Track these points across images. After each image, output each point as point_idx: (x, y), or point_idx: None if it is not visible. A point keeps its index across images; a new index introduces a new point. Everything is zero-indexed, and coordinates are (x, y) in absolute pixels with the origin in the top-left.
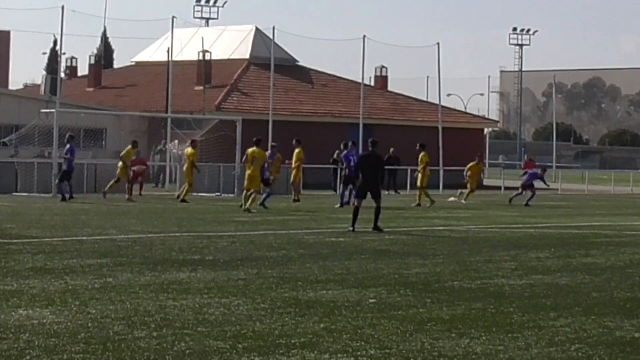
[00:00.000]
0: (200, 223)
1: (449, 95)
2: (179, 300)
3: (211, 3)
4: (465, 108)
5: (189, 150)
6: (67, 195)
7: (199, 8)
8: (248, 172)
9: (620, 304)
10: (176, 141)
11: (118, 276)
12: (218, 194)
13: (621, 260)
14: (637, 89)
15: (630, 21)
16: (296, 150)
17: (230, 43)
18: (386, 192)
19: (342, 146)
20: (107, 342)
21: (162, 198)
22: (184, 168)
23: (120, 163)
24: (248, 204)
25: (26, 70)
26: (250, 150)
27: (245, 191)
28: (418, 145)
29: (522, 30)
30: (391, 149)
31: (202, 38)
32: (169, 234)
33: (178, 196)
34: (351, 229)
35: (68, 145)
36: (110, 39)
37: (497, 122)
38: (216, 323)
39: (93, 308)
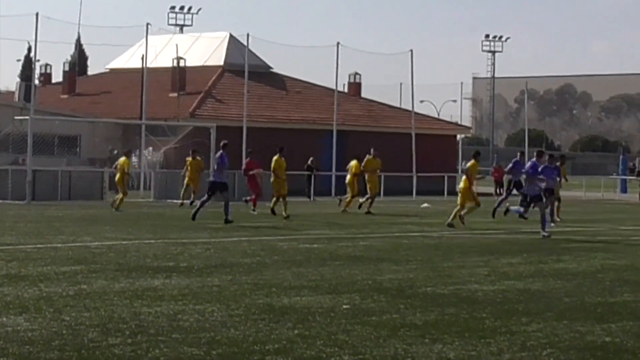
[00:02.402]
0: (175, 230)
1: (422, 101)
2: (153, 307)
3: (185, 10)
4: (439, 114)
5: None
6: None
7: (174, 15)
8: (274, 179)
9: (592, 309)
10: (150, 148)
11: (92, 283)
12: (192, 200)
13: (592, 265)
14: (608, 96)
15: (602, 28)
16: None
17: (204, 50)
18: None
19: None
20: (82, 349)
21: (136, 205)
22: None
23: (118, 175)
24: (284, 210)
25: (0, 77)
26: (275, 158)
27: (275, 199)
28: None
29: (495, 37)
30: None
31: (177, 45)
32: (143, 241)
33: (190, 202)
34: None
35: None
36: (84, 46)
37: (470, 128)
38: (190, 330)
39: (67, 315)
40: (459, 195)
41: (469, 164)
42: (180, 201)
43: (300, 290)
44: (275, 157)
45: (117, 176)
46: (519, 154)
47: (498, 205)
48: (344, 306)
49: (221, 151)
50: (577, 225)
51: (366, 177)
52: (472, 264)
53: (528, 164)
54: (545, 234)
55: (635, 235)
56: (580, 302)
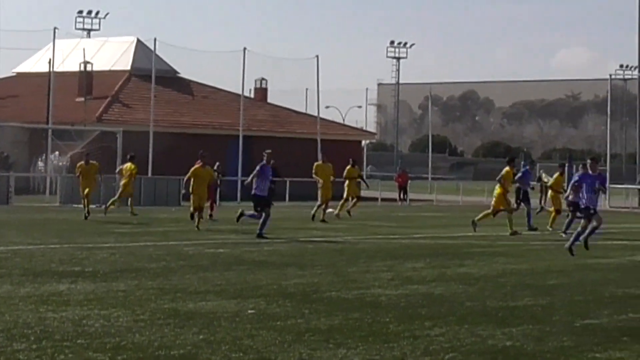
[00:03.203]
0: (80, 234)
1: (327, 107)
2: (58, 312)
3: (93, 14)
4: (344, 120)
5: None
6: None
7: (81, 19)
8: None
9: (493, 313)
10: (57, 152)
11: None
12: (98, 205)
13: (494, 270)
14: (511, 102)
15: (504, 35)
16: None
17: (111, 54)
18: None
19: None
20: None
21: (42, 209)
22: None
23: (124, 180)
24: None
25: None
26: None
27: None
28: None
29: (400, 43)
30: (271, 161)
31: (84, 49)
32: (49, 246)
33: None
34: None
35: None
36: None
37: (375, 134)
38: (96, 335)
39: None
40: (493, 200)
41: (503, 171)
42: (103, 206)
43: (205, 295)
44: (196, 166)
45: (124, 181)
46: (527, 163)
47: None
48: (249, 311)
49: (263, 161)
50: (480, 231)
51: (319, 183)
52: (376, 268)
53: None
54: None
55: (536, 240)
56: (482, 306)
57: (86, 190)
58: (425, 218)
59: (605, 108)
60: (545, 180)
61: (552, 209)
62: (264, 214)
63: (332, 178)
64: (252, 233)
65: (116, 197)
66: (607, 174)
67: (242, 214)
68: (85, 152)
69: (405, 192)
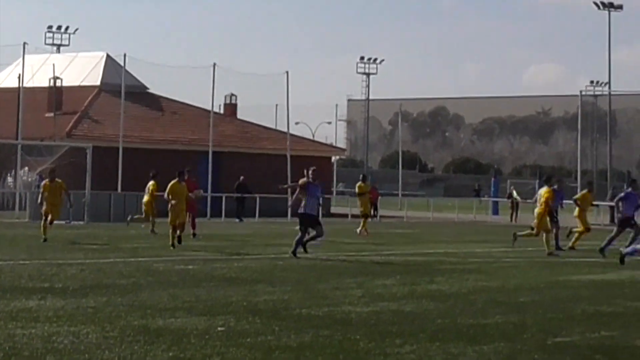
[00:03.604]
0: (50, 250)
1: (297, 123)
2: (27, 329)
3: (63, 30)
4: (314, 136)
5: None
6: None
7: (51, 34)
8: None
9: (464, 330)
10: (26, 168)
11: None
12: (68, 221)
13: (465, 287)
14: (481, 118)
15: (473, 51)
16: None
17: (81, 70)
18: (236, 220)
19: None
20: None
21: (11, 225)
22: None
23: (146, 197)
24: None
25: None
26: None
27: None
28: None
29: (369, 59)
30: (241, 177)
31: (54, 64)
32: (18, 262)
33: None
34: None
35: None
36: None
37: (345, 150)
38: (65, 352)
39: None
40: (535, 220)
41: (580, 194)
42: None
43: (175, 311)
44: (172, 182)
45: (146, 198)
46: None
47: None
48: (219, 328)
49: (310, 178)
50: (450, 247)
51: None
52: (346, 285)
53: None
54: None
55: (507, 257)
56: (453, 323)
57: (49, 216)
58: (395, 234)
59: (576, 124)
60: (516, 197)
61: (580, 228)
62: (311, 233)
63: None
64: (222, 249)
65: (143, 215)
66: (578, 190)
67: (304, 242)
68: (50, 169)
69: (375, 209)
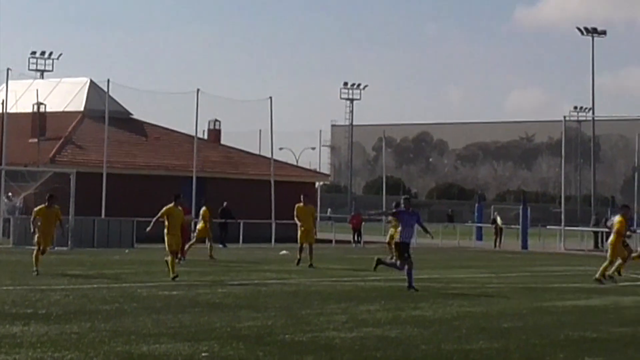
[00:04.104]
0: (34, 276)
1: (281, 149)
2: (11, 355)
3: (46, 55)
4: (297, 162)
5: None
6: None
7: (34, 60)
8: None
9: (448, 356)
10: (10, 194)
11: None
12: (51, 247)
13: (449, 312)
14: (464, 144)
15: (456, 76)
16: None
17: (65, 95)
18: (220, 246)
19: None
20: None
21: None
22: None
23: (200, 224)
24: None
25: None
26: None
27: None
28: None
29: (353, 84)
30: (224, 202)
31: (37, 90)
32: (2, 287)
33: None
34: None
35: None
36: None
37: (329, 175)
38: None
39: None
40: (609, 251)
41: (616, 219)
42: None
43: (159, 337)
44: (169, 206)
45: (201, 225)
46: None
47: None
48: (203, 354)
49: (402, 204)
50: (434, 273)
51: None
52: (330, 311)
53: None
54: None
55: (491, 283)
56: (437, 349)
57: (42, 246)
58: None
59: (560, 150)
60: (500, 222)
61: (635, 254)
62: (407, 264)
63: (314, 220)
64: (206, 275)
65: (192, 240)
66: (562, 216)
67: (380, 262)
68: (50, 194)
69: (359, 234)
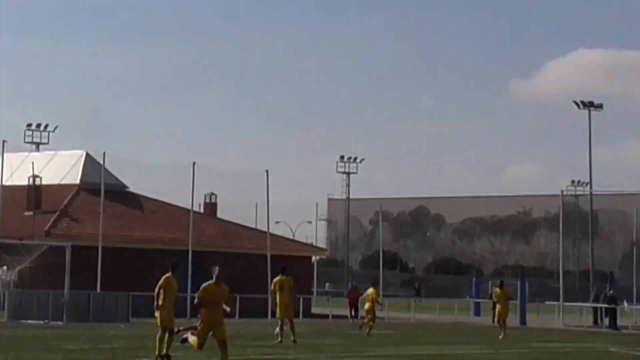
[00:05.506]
0: (28, 351)
1: (277, 222)
2: None
3: (42, 128)
4: (294, 235)
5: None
6: None
7: (30, 132)
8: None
9: None
10: (5, 267)
11: None
12: (47, 321)
13: None
14: (461, 218)
15: (453, 150)
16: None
17: (60, 168)
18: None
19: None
20: None
21: None
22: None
23: (367, 304)
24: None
25: None
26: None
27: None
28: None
29: (349, 158)
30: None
31: (33, 163)
32: None
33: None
34: None
35: None
36: None
37: (325, 249)
38: None
39: None
40: None
41: None
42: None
43: None
44: (167, 275)
45: (368, 305)
46: None
47: None
48: None
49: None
50: (432, 349)
51: (277, 298)
52: None
53: None
54: None
55: (489, 359)
56: None
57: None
58: (376, 335)
59: (557, 224)
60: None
61: None
62: None
63: (292, 293)
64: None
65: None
66: (561, 291)
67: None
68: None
69: (356, 309)
